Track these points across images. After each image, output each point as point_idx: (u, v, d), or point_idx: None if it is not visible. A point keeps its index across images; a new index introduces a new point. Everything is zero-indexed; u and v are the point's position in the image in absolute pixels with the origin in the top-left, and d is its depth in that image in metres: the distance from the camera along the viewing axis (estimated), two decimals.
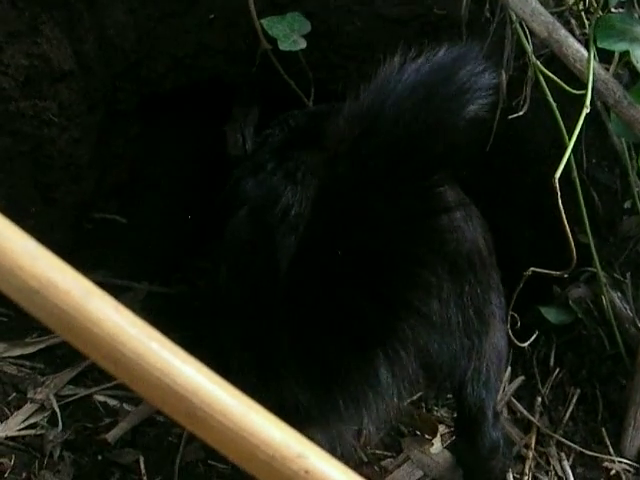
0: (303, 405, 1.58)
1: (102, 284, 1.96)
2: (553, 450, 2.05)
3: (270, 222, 1.63)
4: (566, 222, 1.73)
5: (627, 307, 2.08)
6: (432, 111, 1.29)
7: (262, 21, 1.98)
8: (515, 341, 1.91)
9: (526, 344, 1.97)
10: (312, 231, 1.49)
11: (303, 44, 1.97)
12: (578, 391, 2.16)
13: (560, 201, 1.69)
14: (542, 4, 1.80)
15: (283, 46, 1.97)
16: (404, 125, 1.30)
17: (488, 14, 2.01)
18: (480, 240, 1.71)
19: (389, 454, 2.06)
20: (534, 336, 1.98)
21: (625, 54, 1.83)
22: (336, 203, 1.43)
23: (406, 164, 1.33)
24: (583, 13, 2.01)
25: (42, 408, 2.08)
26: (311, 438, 0.66)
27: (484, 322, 1.67)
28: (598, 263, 2.02)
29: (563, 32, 1.77)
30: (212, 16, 2.08)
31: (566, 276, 1.83)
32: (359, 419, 1.63)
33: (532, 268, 1.81)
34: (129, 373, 0.63)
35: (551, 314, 2.16)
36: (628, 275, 2.11)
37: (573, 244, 1.77)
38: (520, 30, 1.89)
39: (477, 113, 1.32)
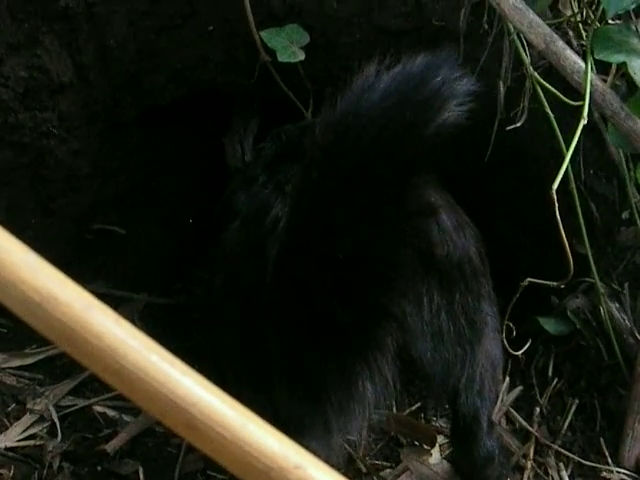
0: (296, 415, 1.59)
1: (101, 294, 1.96)
2: (552, 460, 2.05)
3: (261, 234, 1.65)
4: (564, 233, 1.73)
5: (625, 317, 2.09)
6: (403, 117, 1.31)
7: (261, 33, 1.99)
8: (510, 350, 1.91)
9: (520, 352, 1.97)
10: (289, 239, 1.51)
11: (302, 56, 1.98)
12: (576, 401, 2.16)
13: (558, 212, 1.70)
14: (540, 16, 1.80)
15: (282, 58, 1.98)
16: (375, 131, 1.32)
17: (486, 26, 2.01)
18: (472, 249, 1.72)
19: (388, 464, 2.06)
20: (528, 344, 1.98)
21: (622, 66, 1.83)
22: (310, 209, 1.45)
23: (377, 169, 1.36)
24: (581, 25, 2.02)
25: (41, 419, 2.08)
26: (306, 447, 0.67)
27: (476, 331, 1.68)
28: (596, 274, 2.02)
29: (560, 44, 1.78)
30: (211, 28, 2.09)
31: (563, 287, 1.82)
32: (346, 429, 1.64)
33: (529, 279, 1.81)
34: (129, 385, 0.63)
35: (549, 324, 2.16)
36: (626, 286, 2.11)
37: (571, 255, 1.77)
38: (518, 42, 1.89)
39: (456, 120, 1.34)
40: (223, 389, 0.67)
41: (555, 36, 1.78)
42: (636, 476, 2.03)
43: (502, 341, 1.87)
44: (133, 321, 2.33)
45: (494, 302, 1.79)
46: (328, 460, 1.66)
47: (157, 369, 0.63)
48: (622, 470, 2.03)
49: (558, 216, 1.68)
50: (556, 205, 1.67)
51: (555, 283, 1.79)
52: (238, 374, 1.68)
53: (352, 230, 1.40)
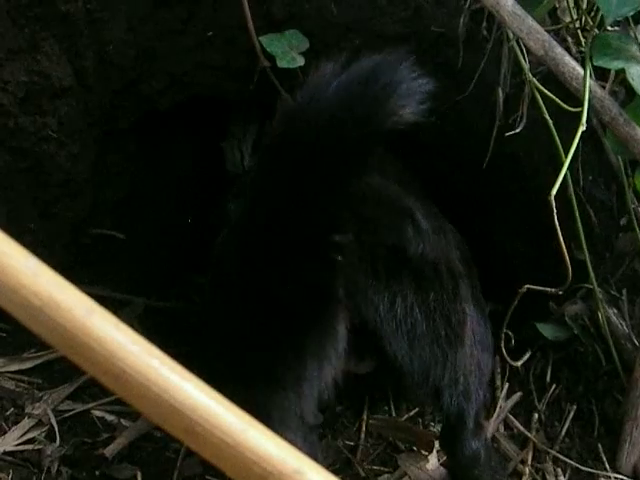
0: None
1: (102, 297, 1.96)
2: (549, 466, 2.05)
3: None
4: (562, 239, 1.73)
5: (623, 323, 2.09)
6: (354, 109, 1.35)
7: (261, 38, 1.99)
8: (509, 360, 1.92)
9: (519, 363, 1.98)
10: (246, 223, 1.59)
11: (301, 61, 1.98)
12: (574, 407, 2.16)
13: (556, 218, 1.70)
14: (539, 22, 1.81)
15: (281, 63, 1.98)
16: (325, 120, 1.36)
17: (485, 32, 2.02)
18: (452, 252, 1.76)
19: (386, 470, 2.06)
20: (527, 355, 1.99)
21: (621, 72, 1.84)
22: (263, 192, 1.52)
23: (324, 156, 1.40)
24: (579, 31, 2.02)
25: (40, 423, 2.08)
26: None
27: (455, 331, 1.69)
28: (594, 280, 2.02)
29: (559, 50, 1.78)
30: (210, 34, 2.09)
31: (561, 293, 1.83)
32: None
33: (527, 285, 1.81)
34: (129, 390, 0.63)
35: (547, 330, 2.16)
36: (624, 292, 2.11)
37: (569, 261, 1.78)
38: (517, 48, 1.90)
39: (413, 118, 1.36)
40: (219, 391, 0.67)
41: (554, 42, 1.78)
42: None
43: (498, 348, 1.88)
44: (132, 325, 2.33)
45: (480, 305, 1.81)
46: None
47: (157, 374, 0.63)
48: (619, 476, 2.02)
49: (556, 222, 1.68)
50: (554, 211, 1.67)
51: (553, 289, 1.79)
52: (222, 372, 1.71)
53: (299, 213, 1.45)
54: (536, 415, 2.16)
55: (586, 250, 1.98)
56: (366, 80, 1.35)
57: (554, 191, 1.69)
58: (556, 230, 1.69)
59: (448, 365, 1.69)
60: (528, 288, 1.81)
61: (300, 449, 1.69)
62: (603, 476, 2.03)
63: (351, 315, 1.59)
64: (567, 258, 1.73)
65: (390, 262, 1.62)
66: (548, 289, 1.80)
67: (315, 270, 1.50)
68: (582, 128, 1.74)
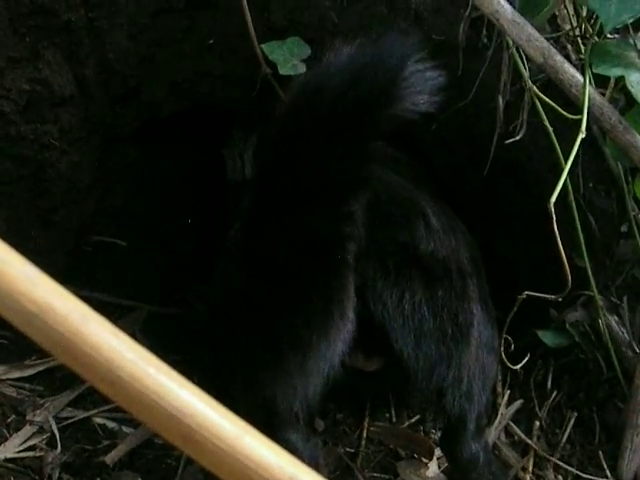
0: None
1: (103, 304, 1.96)
2: (550, 473, 2.05)
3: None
4: (562, 246, 1.73)
5: (624, 331, 2.09)
6: (368, 84, 1.36)
7: (262, 46, 1.99)
8: (507, 363, 1.92)
9: (518, 367, 1.98)
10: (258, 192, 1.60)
11: (303, 68, 1.98)
12: (575, 414, 2.16)
13: (556, 225, 1.70)
14: (539, 30, 1.81)
15: (283, 70, 1.98)
16: (325, 97, 1.39)
17: (485, 40, 2.02)
18: (462, 252, 1.77)
19: (386, 477, 2.06)
20: (526, 359, 1.98)
21: (620, 79, 1.84)
22: (274, 157, 1.53)
23: (334, 126, 1.40)
24: (579, 39, 2.03)
25: (41, 430, 2.08)
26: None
27: (461, 330, 1.70)
28: (595, 287, 2.02)
29: (559, 58, 1.78)
30: (211, 41, 2.10)
31: (560, 299, 1.83)
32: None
33: (526, 292, 1.81)
34: (126, 396, 0.64)
35: (548, 337, 2.16)
36: (625, 299, 2.11)
37: (570, 268, 1.78)
38: (517, 55, 1.90)
39: (426, 109, 1.38)
40: (221, 400, 0.67)
41: (553, 50, 1.79)
42: None
43: (499, 353, 1.88)
44: (134, 333, 2.34)
45: (487, 308, 1.81)
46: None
47: (154, 381, 0.63)
48: None
49: (556, 228, 1.68)
50: (554, 218, 1.68)
51: (553, 296, 1.79)
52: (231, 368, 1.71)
53: (307, 176, 1.45)
54: (537, 422, 2.16)
55: (586, 257, 1.98)
56: (374, 61, 1.37)
57: (553, 198, 1.69)
58: (555, 236, 1.69)
59: (453, 364, 1.70)
60: (528, 294, 1.81)
61: (302, 451, 1.70)
62: None
63: (359, 306, 1.58)
64: (566, 264, 1.72)
65: (400, 259, 1.63)
66: (548, 296, 1.80)
67: (326, 237, 1.49)
68: (582, 135, 1.74)
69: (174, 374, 0.64)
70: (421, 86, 1.37)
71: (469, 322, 1.72)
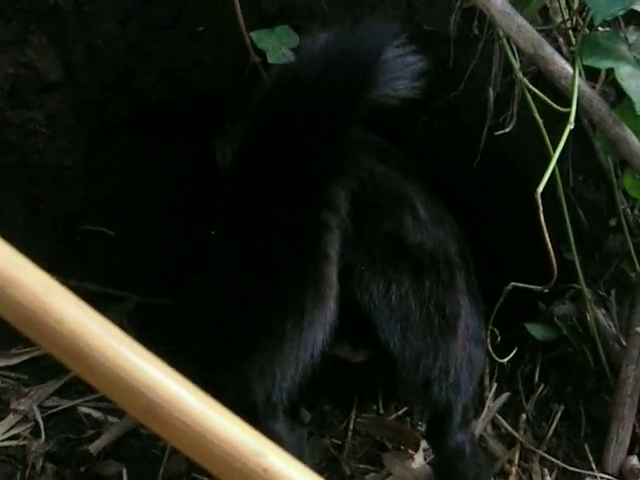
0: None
1: (92, 294, 1.96)
2: (536, 466, 2.05)
3: None
4: (550, 239, 1.73)
5: (611, 324, 2.09)
6: (346, 68, 1.38)
7: (251, 34, 1.98)
8: (494, 356, 1.92)
9: (505, 360, 1.97)
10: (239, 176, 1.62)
11: (291, 57, 1.97)
12: (562, 407, 2.16)
13: (544, 218, 1.70)
14: (530, 22, 1.80)
15: (272, 59, 1.97)
16: (301, 83, 1.41)
17: (477, 31, 2.02)
18: (450, 244, 1.76)
19: (373, 468, 2.05)
20: (513, 352, 1.98)
21: (610, 72, 1.83)
22: (253, 146, 1.57)
23: (312, 112, 1.42)
24: (571, 31, 2.02)
25: (25, 419, 2.07)
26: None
27: (448, 322, 1.69)
28: (583, 280, 2.02)
29: (549, 49, 1.77)
30: (201, 29, 2.09)
31: (547, 292, 1.82)
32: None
33: (512, 282, 1.81)
34: (88, 369, 0.63)
35: (536, 330, 2.16)
36: (612, 292, 2.11)
37: (558, 261, 1.77)
38: (507, 46, 1.89)
39: (406, 94, 1.38)
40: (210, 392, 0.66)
41: (543, 41, 1.78)
42: None
43: (485, 345, 1.88)
44: (122, 323, 2.33)
45: (475, 299, 1.81)
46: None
47: (116, 352, 0.62)
48: (606, 476, 2.03)
49: (542, 219, 1.68)
50: (540, 208, 1.67)
51: (539, 287, 1.78)
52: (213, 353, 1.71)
53: (284, 163, 1.46)
54: (524, 415, 2.16)
55: (575, 251, 1.98)
56: (356, 44, 1.39)
57: (540, 188, 1.68)
58: (542, 227, 1.68)
59: (440, 356, 1.69)
60: (514, 285, 1.81)
61: (286, 441, 1.70)
62: (590, 476, 2.03)
63: (346, 297, 1.58)
64: (552, 255, 1.72)
65: (387, 249, 1.63)
66: (534, 287, 1.79)
67: (303, 225, 1.49)
68: (570, 126, 1.73)
69: (137, 347, 0.64)
70: (400, 71, 1.37)
71: (456, 313, 1.72)
